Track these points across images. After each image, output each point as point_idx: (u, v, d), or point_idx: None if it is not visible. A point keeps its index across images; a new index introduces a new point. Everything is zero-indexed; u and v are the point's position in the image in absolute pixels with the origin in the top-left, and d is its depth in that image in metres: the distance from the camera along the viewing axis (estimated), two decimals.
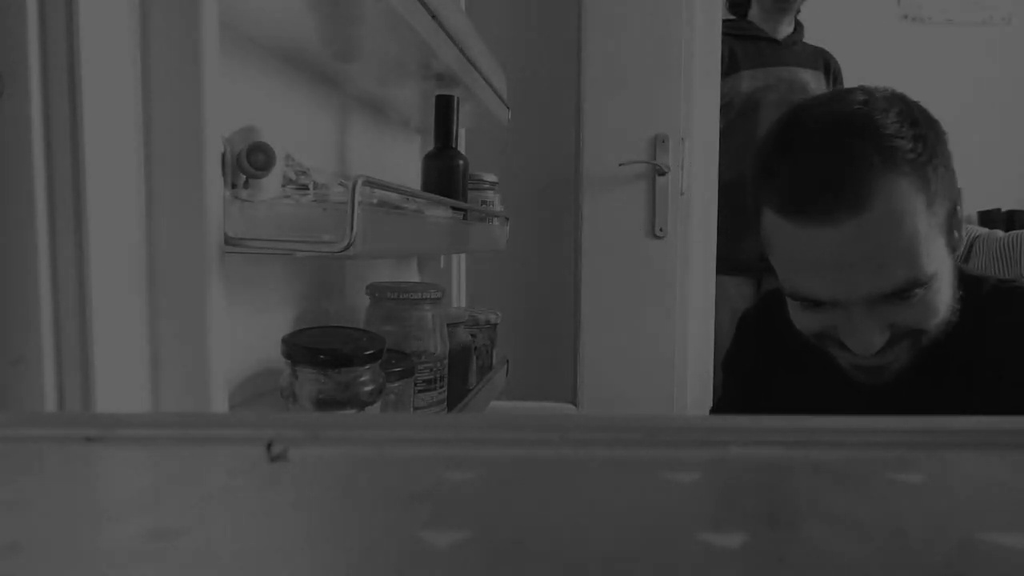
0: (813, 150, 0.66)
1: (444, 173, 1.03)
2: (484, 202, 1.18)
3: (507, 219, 1.29)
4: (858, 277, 0.64)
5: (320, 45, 0.83)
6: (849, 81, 2.14)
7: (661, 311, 1.74)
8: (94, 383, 0.46)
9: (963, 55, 2.71)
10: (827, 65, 2.08)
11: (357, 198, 0.55)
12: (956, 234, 0.70)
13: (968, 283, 0.73)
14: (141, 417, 0.25)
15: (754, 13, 2.05)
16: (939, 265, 0.66)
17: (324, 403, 0.64)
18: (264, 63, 0.80)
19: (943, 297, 0.68)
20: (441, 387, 0.89)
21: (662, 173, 1.70)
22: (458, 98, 1.03)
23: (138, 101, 0.50)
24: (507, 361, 1.30)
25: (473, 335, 1.09)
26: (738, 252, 2.00)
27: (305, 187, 0.64)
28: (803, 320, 0.71)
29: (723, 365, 0.95)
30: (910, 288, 0.65)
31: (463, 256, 1.44)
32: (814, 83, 2.03)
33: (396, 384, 0.76)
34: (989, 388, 0.69)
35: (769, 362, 0.86)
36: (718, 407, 0.95)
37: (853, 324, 0.66)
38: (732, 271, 1.99)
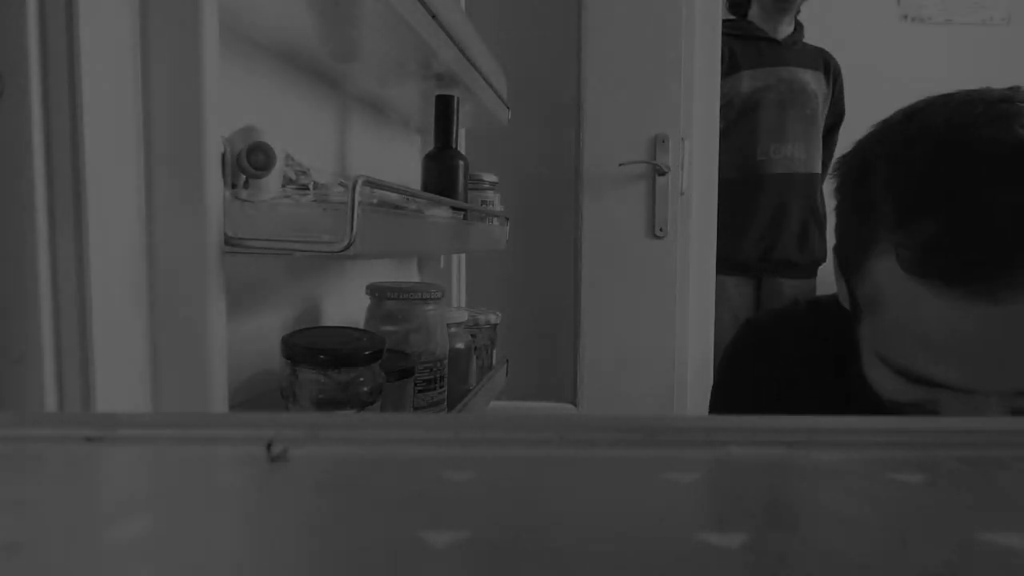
0: (994, 200, 0.47)
1: (444, 173, 1.03)
2: (484, 202, 1.18)
3: (507, 219, 1.29)
4: (1011, 370, 0.50)
5: (320, 45, 0.83)
6: (849, 81, 2.14)
7: (661, 311, 1.74)
8: (94, 383, 0.46)
9: (963, 55, 2.71)
10: (827, 65, 2.08)
11: (357, 198, 0.55)
12: None
13: None
14: (141, 417, 0.25)
15: (754, 13, 2.05)
16: None
17: (324, 403, 0.64)
18: (264, 63, 0.80)
19: None
20: (441, 387, 0.89)
21: (662, 173, 1.70)
22: (458, 98, 1.03)
23: (138, 101, 0.50)
24: (507, 361, 1.30)
25: (473, 335, 1.09)
26: (738, 252, 2.00)
27: (305, 187, 0.64)
28: (893, 389, 0.56)
29: (718, 389, 0.79)
30: None
31: (463, 256, 1.44)
32: (814, 83, 2.03)
33: (396, 384, 0.76)
34: None
35: (776, 401, 0.70)
36: None
37: (971, 410, 0.52)
38: (732, 271, 2.00)
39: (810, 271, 2.08)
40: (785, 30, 2.05)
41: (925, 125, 0.53)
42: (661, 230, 1.72)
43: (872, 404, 0.59)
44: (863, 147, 0.57)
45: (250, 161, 0.56)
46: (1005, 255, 0.47)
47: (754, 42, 2.02)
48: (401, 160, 1.27)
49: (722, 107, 1.84)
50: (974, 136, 0.49)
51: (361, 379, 0.65)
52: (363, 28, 0.78)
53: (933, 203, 0.49)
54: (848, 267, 0.58)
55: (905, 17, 2.82)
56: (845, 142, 2.33)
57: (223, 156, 0.54)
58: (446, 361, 0.90)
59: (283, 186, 0.61)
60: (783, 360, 0.70)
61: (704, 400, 0.93)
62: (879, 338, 0.56)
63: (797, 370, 0.68)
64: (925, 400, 0.55)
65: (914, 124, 0.54)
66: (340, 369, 0.64)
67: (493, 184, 1.20)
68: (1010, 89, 0.53)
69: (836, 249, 0.60)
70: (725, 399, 0.76)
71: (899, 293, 0.51)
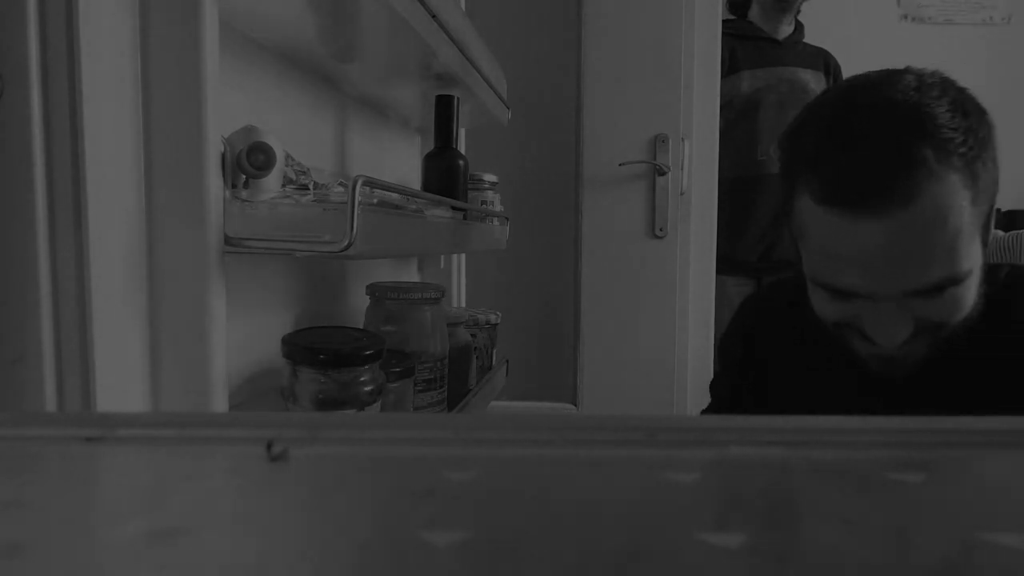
0: (865, 141, 0.63)
1: (444, 173, 1.03)
2: (484, 202, 1.18)
3: (507, 219, 1.29)
4: (897, 272, 0.64)
5: (320, 45, 0.83)
6: None
7: (661, 311, 1.74)
8: (94, 383, 0.46)
9: (963, 55, 2.71)
10: (827, 65, 2.08)
11: (357, 198, 0.55)
12: (990, 230, 0.68)
13: (986, 273, 0.71)
14: (141, 417, 0.25)
15: (754, 13, 2.05)
16: (974, 262, 0.65)
17: (324, 403, 0.64)
18: (264, 63, 0.80)
19: (971, 293, 0.67)
20: (441, 387, 0.89)
21: (662, 173, 1.70)
22: (458, 98, 1.03)
23: (138, 101, 0.50)
24: (507, 361, 1.30)
25: (473, 335, 1.09)
26: (738, 252, 2.00)
27: (305, 187, 0.64)
28: (827, 309, 0.71)
29: (718, 350, 0.96)
30: (946, 285, 0.64)
31: (463, 256, 1.44)
32: (814, 83, 2.03)
33: (396, 384, 0.76)
34: (1007, 379, 0.68)
35: (767, 350, 0.86)
36: (712, 393, 0.94)
37: (881, 317, 0.66)
38: (732, 271, 2.00)
39: None
40: (785, 30, 2.05)
41: (825, 100, 0.71)
42: (661, 230, 1.72)
43: (814, 335, 0.74)
44: (791, 123, 0.74)
45: (250, 161, 0.56)
46: (881, 181, 0.62)
47: (754, 42, 2.02)
48: (401, 160, 1.27)
49: (722, 107, 1.83)
50: (856, 102, 0.67)
51: (361, 379, 0.65)
52: (363, 28, 0.78)
53: (830, 149, 0.65)
54: (786, 215, 0.73)
55: (905, 17, 2.83)
56: None
57: (223, 156, 0.54)
58: (446, 361, 0.90)
59: (283, 186, 0.61)
60: (775, 316, 0.87)
61: (705, 400, 0.94)
62: (809, 264, 0.71)
63: (788, 328, 0.84)
64: (849, 316, 0.69)
65: (820, 99, 0.72)
66: (340, 369, 0.64)
67: (493, 184, 1.20)
68: (898, 70, 0.68)
69: (781, 205, 0.73)
70: (723, 353, 0.94)
71: (814, 222, 0.66)
